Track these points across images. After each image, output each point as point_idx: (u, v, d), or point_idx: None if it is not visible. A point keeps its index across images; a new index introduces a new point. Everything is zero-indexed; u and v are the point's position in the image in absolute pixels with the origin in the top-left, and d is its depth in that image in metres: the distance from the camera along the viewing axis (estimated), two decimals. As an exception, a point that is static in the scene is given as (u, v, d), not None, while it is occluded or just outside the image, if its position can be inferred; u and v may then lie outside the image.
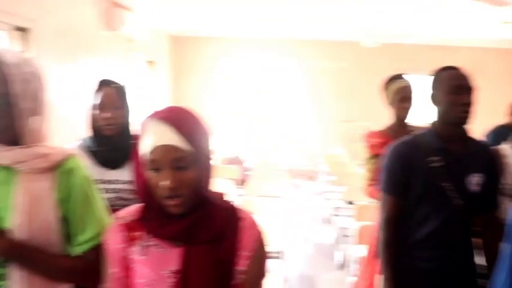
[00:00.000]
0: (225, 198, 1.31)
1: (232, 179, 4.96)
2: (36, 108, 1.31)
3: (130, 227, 1.27)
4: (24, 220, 1.28)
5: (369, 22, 6.81)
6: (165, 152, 1.15)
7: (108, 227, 1.34)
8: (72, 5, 4.75)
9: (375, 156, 2.62)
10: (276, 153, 7.62)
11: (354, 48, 8.79)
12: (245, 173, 5.88)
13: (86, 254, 1.40)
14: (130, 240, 1.26)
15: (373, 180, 2.59)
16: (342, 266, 4.63)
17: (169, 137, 1.15)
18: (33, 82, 1.30)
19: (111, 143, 2.07)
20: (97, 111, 2.06)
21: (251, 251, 1.25)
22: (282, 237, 3.77)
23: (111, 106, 2.05)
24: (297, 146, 9.18)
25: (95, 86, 2.11)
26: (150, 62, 7.60)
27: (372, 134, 2.78)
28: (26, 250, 1.28)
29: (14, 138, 1.30)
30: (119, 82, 2.14)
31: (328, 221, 6.07)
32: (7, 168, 1.30)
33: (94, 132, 2.11)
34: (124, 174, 2.07)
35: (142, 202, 1.27)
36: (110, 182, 2.04)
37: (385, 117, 2.84)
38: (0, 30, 3.74)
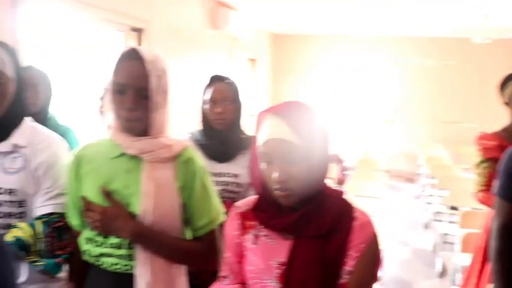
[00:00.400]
0: (344, 196, 1.31)
1: (331, 178, 4.93)
2: (164, 101, 1.42)
3: (245, 216, 1.33)
4: (150, 206, 1.39)
5: (479, 16, 6.39)
6: (275, 145, 1.18)
7: (225, 213, 1.42)
8: (181, 6, 5.01)
9: (488, 159, 2.47)
10: (374, 154, 7.44)
11: (463, 45, 8.31)
12: (344, 172, 5.80)
13: (202, 238, 1.49)
14: (245, 229, 1.32)
15: (486, 186, 2.45)
16: (442, 274, 4.43)
17: (280, 130, 1.18)
18: (163, 77, 1.40)
19: (220, 137, 2.15)
20: (208, 106, 2.16)
21: (360, 251, 1.22)
22: (379, 239, 3.67)
23: (223, 101, 2.13)
24: (395, 147, 8.89)
25: (207, 81, 2.21)
26: (252, 60, 7.77)
27: (485, 136, 2.61)
28: (151, 233, 1.39)
29: (143, 129, 1.41)
30: (231, 78, 2.22)
31: (427, 226, 5.83)
32: (135, 157, 1.43)
33: (204, 126, 2.21)
34: (232, 168, 2.15)
35: (257, 193, 1.33)
36: (218, 175, 2.11)
37: (493, 119, 2.67)
38: (118, 31, 4.05)
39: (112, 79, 1.39)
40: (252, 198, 1.38)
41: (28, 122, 1.67)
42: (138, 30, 4.22)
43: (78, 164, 1.48)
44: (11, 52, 1.61)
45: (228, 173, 2.14)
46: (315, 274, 1.20)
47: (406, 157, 8.75)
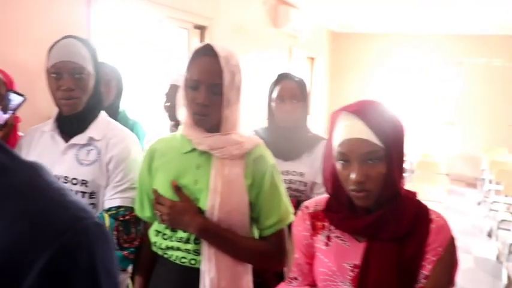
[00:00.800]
0: (418, 197, 1.27)
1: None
2: (237, 98, 1.43)
3: (316, 216, 1.32)
4: (218, 202, 1.39)
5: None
6: (354, 145, 1.16)
7: (295, 213, 1.40)
8: (243, 4, 5.04)
9: None
10: (434, 156, 7.19)
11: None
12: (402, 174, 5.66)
13: (270, 237, 1.48)
14: (315, 230, 1.31)
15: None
16: (508, 287, 4.21)
17: (359, 130, 1.16)
18: (237, 74, 1.41)
19: (287, 135, 2.14)
20: (275, 104, 2.15)
21: (438, 255, 1.19)
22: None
23: (291, 99, 2.11)
24: (456, 150, 8.56)
25: (274, 78, 2.21)
26: (310, 59, 7.72)
27: None
28: (218, 230, 1.40)
29: (215, 125, 1.42)
30: (299, 76, 2.20)
31: (491, 234, 5.57)
32: (205, 153, 1.44)
33: (270, 123, 2.20)
34: (297, 166, 2.13)
35: (329, 193, 1.31)
36: (283, 173, 2.09)
37: None
38: (182, 28, 4.13)
39: (185, 75, 1.41)
40: (321, 198, 1.37)
41: (103, 116, 1.74)
42: (201, 28, 4.28)
43: (151, 157, 1.52)
44: (91, 48, 1.68)
45: (294, 172, 2.13)
46: (391, 277, 1.18)
47: (468, 161, 8.40)
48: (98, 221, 0.55)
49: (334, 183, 1.26)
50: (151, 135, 2.40)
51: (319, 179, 2.14)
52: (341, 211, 1.25)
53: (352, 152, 1.16)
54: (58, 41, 1.64)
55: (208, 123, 1.41)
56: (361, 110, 1.19)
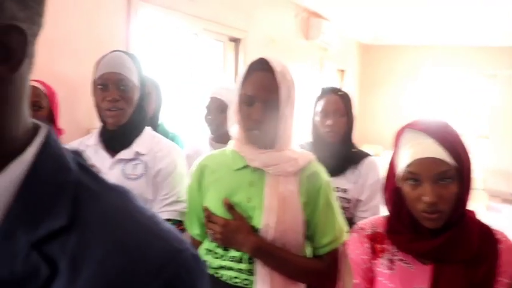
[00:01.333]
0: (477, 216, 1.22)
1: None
2: (291, 114, 1.38)
3: (375, 238, 1.26)
4: (273, 221, 1.34)
5: None
6: (427, 165, 1.11)
7: (350, 234, 1.35)
8: (276, 17, 5.03)
9: None
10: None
11: None
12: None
13: (324, 256, 1.43)
14: (375, 253, 1.25)
15: None
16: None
17: (432, 149, 1.11)
18: (292, 89, 1.36)
19: (331, 150, 2.09)
20: (319, 118, 2.10)
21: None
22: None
23: (334, 113, 2.07)
24: (491, 165, 8.33)
25: (318, 93, 2.16)
26: (341, 71, 7.66)
27: None
28: (272, 249, 1.35)
29: (269, 141, 1.38)
30: (343, 90, 2.16)
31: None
32: (259, 170, 1.40)
33: (315, 138, 2.16)
34: (342, 182, 2.08)
35: (391, 214, 1.25)
36: (326, 188, 2.06)
37: None
38: (217, 40, 4.13)
39: (240, 90, 1.37)
40: (377, 218, 1.31)
41: (148, 130, 1.72)
42: (235, 40, 4.28)
43: (201, 173, 1.48)
44: (137, 62, 1.67)
45: (337, 188, 2.07)
46: None
47: (503, 176, 8.16)
48: (194, 252, 0.51)
49: (396, 203, 1.21)
50: (190, 148, 2.37)
51: (363, 196, 2.08)
52: (404, 233, 1.19)
53: (424, 171, 1.11)
54: (106, 54, 1.64)
55: (263, 139, 1.37)
56: (431, 128, 1.14)
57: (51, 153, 0.52)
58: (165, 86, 2.70)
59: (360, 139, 7.22)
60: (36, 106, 2.07)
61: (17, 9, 0.47)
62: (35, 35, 0.50)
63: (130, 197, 0.54)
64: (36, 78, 2.13)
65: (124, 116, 1.62)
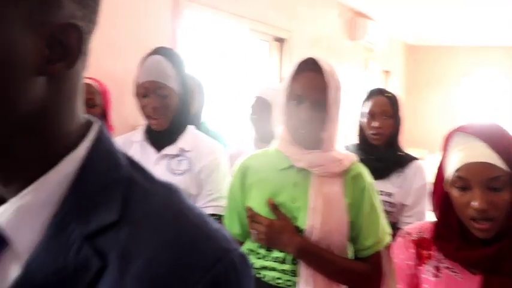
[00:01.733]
0: None
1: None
2: (337, 115, 1.37)
3: (421, 244, 1.22)
4: (318, 222, 1.33)
5: None
6: (478, 170, 1.06)
7: (395, 239, 1.32)
8: (321, 17, 5.00)
9: None
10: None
11: None
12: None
13: (368, 259, 1.41)
14: (421, 259, 1.21)
15: None
16: None
17: (483, 153, 1.06)
18: (339, 90, 1.35)
19: (376, 153, 2.05)
20: (366, 120, 2.07)
21: None
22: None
23: (382, 115, 2.03)
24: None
25: (365, 94, 2.13)
26: (386, 72, 7.52)
27: None
28: (317, 250, 1.34)
29: (314, 142, 1.37)
30: (391, 92, 2.12)
31: None
32: (303, 170, 1.38)
33: (360, 140, 2.13)
34: (386, 186, 2.03)
35: (439, 219, 1.21)
36: (370, 191, 2.03)
37: None
38: (262, 40, 4.15)
39: (288, 89, 1.37)
40: (424, 224, 1.28)
41: (191, 128, 1.75)
42: (280, 40, 4.28)
43: (244, 173, 1.48)
44: (177, 64, 1.69)
45: (382, 191, 2.03)
46: None
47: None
48: (242, 252, 0.51)
49: (444, 209, 1.17)
50: (234, 147, 2.39)
51: (409, 201, 2.03)
52: (453, 240, 1.15)
53: (474, 177, 1.06)
54: (149, 55, 1.68)
55: (309, 139, 1.36)
56: (483, 132, 1.09)
57: (103, 149, 0.53)
58: (209, 85, 2.73)
59: (404, 142, 7.06)
60: (90, 103, 2.13)
61: (76, 8, 0.48)
62: (90, 32, 0.51)
63: (179, 195, 0.54)
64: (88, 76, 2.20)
65: (165, 121, 1.67)
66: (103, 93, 2.22)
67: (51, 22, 0.46)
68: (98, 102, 2.18)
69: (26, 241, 0.48)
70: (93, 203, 0.49)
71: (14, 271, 0.48)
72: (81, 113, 0.54)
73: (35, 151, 0.49)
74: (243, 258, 0.50)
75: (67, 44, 0.48)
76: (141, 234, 0.48)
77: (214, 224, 0.52)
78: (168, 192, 0.54)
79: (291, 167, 1.40)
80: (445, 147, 1.17)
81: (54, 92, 0.49)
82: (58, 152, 0.50)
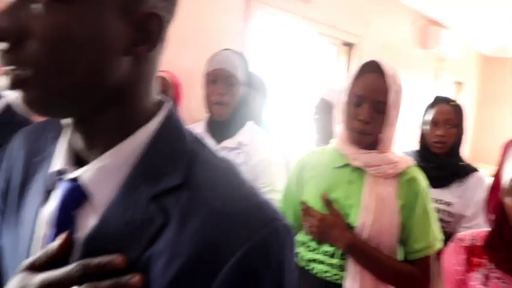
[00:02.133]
0: None
1: None
2: (396, 118, 1.40)
3: (472, 251, 1.22)
4: (369, 220, 1.37)
5: None
6: None
7: (447, 244, 1.32)
8: (393, 23, 4.93)
9: None
10: None
11: None
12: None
13: (416, 262, 1.42)
14: (471, 266, 1.21)
15: None
16: None
17: None
18: (400, 93, 1.39)
19: (437, 161, 2.04)
20: (428, 127, 2.06)
21: None
22: None
23: (445, 124, 2.01)
24: None
25: (430, 101, 2.12)
26: (458, 83, 7.27)
27: None
28: (366, 248, 1.37)
29: (371, 143, 1.41)
30: (457, 101, 2.09)
31: None
32: (358, 169, 1.43)
33: (422, 147, 2.12)
34: (445, 195, 2.01)
35: (493, 228, 1.21)
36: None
37: None
38: (331, 44, 4.17)
39: (349, 90, 1.41)
40: (479, 231, 1.27)
41: (250, 124, 1.84)
42: (349, 45, 4.28)
43: (301, 169, 1.54)
44: (244, 61, 1.83)
45: (441, 200, 2.01)
46: None
47: None
48: (287, 223, 0.57)
49: (499, 218, 1.17)
50: (296, 147, 2.44)
51: (468, 212, 2.00)
52: (504, 250, 1.15)
53: None
54: (217, 52, 1.80)
55: (367, 140, 1.40)
56: None
57: (172, 124, 0.61)
58: (274, 85, 2.80)
59: (474, 157, 6.80)
60: (162, 96, 2.27)
61: (158, 0, 0.56)
62: (168, 21, 0.59)
63: (235, 169, 0.61)
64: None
65: (229, 109, 1.78)
66: (175, 87, 2.34)
67: (138, 11, 0.55)
68: (170, 95, 2.31)
69: (103, 196, 0.57)
70: (161, 169, 0.57)
71: (92, 220, 0.57)
72: (155, 93, 0.63)
73: (117, 121, 0.58)
74: (287, 228, 0.56)
75: (150, 30, 0.56)
76: (200, 198, 0.55)
77: (264, 197, 0.59)
78: (226, 165, 0.62)
79: (347, 165, 1.44)
80: (503, 156, 1.17)
81: (136, 71, 0.58)
82: (135, 124, 0.59)
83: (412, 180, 1.42)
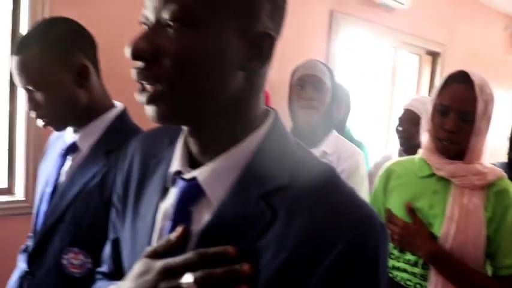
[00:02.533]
0: None
1: None
2: (487, 128, 1.38)
3: None
4: (452, 231, 1.36)
5: None
6: None
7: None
8: (482, 30, 4.74)
9: None
10: None
11: None
12: None
13: (505, 279, 1.38)
14: None
15: None
16: None
17: None
18: (490, 103, 1.36)
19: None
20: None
21: None
22: None
23: None
24: None
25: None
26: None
27: None
28: (448, 258, 1.36)
29: (458, 153, 1.40)
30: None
31: None
32: (444, 179, 1.42)
33: (510, 159, 2.04)
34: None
35: None
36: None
37: None
38: (413, 53, 4.09)
39: (435, 100, 1.41)
40: None
41: (335, 133, 1.86)
42: (433, 54, 4.18)
43: (387, 177, 1.56)
44: (329, 69, 1.86)
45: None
46: None
47: None
48: (383, 222, 0.62)
49: None
50: (379, 156, 2.44)
51: None
52: None
53: None
54: (303, 61, 1.86)
55: (453, 150, 1.39)
56: None
57: (277, 131, 0.68)
58: (357, 94, 2.82)
59: None
60: None
61: (269, 21, 0.64)
62: (277, 40, 0.66)
63: (335, 172, 0.67)
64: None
65: (317, 115, 1.78)
66: (265, 98, 2.43)
67: (253, 31, 0.62)
68: None
69: (217, 194, 0.65)
70: (269, 171, 0.64)
71: (206, 215, 0.64)
72: (263, 103, 0.70)
73: (230, 129, 0.66)
74: (383, 227, 0.61)
75: (263, 48, 0.63)
76: (304, 196, 0.61)
77: (362, 198, 0.64)
78: (327, 168, 0.67)
79: (432, 175, 1.44)
80: None
81: (249, 84, 0.65)
82: (245, 131, 0.66)
83: (502, 193, 1.38)
